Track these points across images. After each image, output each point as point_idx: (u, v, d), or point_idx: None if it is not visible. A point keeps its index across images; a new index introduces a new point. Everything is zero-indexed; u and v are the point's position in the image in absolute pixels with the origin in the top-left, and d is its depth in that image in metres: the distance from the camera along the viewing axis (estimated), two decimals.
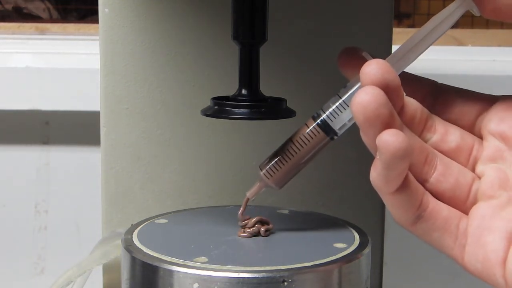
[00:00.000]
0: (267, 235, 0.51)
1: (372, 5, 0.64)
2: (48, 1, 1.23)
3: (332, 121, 0.44)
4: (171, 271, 0.45)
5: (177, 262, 0.46)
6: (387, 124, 0.38)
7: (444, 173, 0.41)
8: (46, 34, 1.09)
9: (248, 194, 0.50)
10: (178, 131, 0.65)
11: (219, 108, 0.51)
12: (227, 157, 0.65)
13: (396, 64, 0.42)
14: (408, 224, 0.41)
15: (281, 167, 0.47)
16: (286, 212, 0.57)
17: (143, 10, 0.63)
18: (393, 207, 0.41)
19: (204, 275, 0.44)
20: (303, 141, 0.46)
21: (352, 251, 0.48)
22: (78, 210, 1.03)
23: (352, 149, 0.65)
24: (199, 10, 0.63)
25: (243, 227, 0.51)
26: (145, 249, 0.48)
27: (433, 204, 0.41)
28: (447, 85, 0.44)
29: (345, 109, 0.43)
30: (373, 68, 0.39)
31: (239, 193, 0.64)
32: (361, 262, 0.48)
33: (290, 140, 0.46)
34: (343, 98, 0.43)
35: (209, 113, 0.51)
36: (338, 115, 0.44)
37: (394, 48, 0.66)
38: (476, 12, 0.41)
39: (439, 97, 0.44)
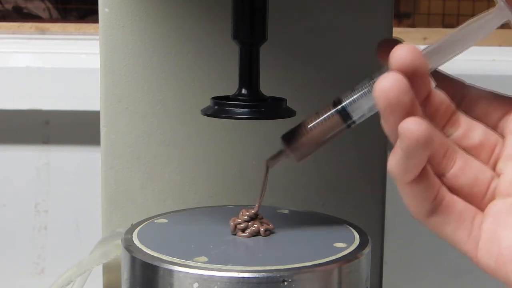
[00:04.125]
0: (267, 235, 0.51)
1: (372, 5, 0.64)
2: (48, 0, 1.23)
3: (351, 108, 0.44)
4: (171, 271, 0.45)
5: (177, 262, 0.46)
6: (409, 112, 0.38)
7: (463, 169, 0.41)
8: (46, 34, 1.09)
9: (268, 161, 0.49)
10: (178, 131, 0.65)
11: (219, 107, 0.51)
12: (227, 157, 0.65)
13: (429, 58, 0.41)
14: (422, 216, 0.41)
15: (301, 138, 0.46)
16: (286, 212, 0.57)
17: (143, 10, 0.63)
18: (409, 197, 0.41)
19: (204, 275, 0.44)
20: (321, 122, 0.45)
21: (352, 251, 0.48)
22: (78, 210, 1.03)
23: (352, 149, 0.65)
24: (199, 10, 0.63)
25: (242, 230, 0.51)
26: (145, 249, 0.48)
27: (448, 197, 0.41)
28: (475, 85, 0.44)
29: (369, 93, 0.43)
30: (403, 51, 0.39)
31: (239, 193, 0.64)
32: (361, 262, 0.48)
33: (316, 114, 0.46)
34: (375, 80, 0.42)
35: (209, 112, 0.51)
36: (359, 101, 0.43)
37: None
38: None
39: (465, 96, 0.43)
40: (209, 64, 0.64)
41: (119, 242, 0.53)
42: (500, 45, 1.13)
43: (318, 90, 0.64)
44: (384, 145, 0.66)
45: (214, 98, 0.52)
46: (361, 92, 0.43)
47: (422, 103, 0.40)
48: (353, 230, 0.52)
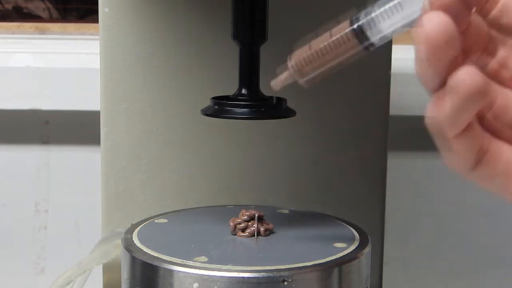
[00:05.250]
0: (267, 235, 0.51)
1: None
2: (48, 0, 1.23)
3: (371, 30, 0.39)
4: (171, 271, 0.45)
5: (177, 262, 0.46)
6: (455, 58, 0.34)
7: (504, 107, 0.36)
8: (46, 34, 1.09)
9: (273, 82, 0.45)
10: (178, 131, 0.65)
11: (219, 107, 0.51)
12: (227, 157, 0.65)
13: None
14: (466, 170, 0.36)
15: (310, 61, 0.42)
16: (286, 212, 0.57)
17: (143, 10, 0.63)
18: (453, 152, 0.36)
19: (204, 275, 0.44)
20: (334, 43, 0.41)
21: (352, 250, 0.48)
22: (78, 210, 1.03)
23: (352, 149, 0.65)
24: (199, 10, 0.63)
25: (242, 230, 0.51)
26: (145, 249, 0.48)
27: (493, 146, 0.36)
28: None
29: (398, 11, 0.38)
30: None
31: (239, 193, 0.64)
32: (361, 261, 0.48)
33: (329, 33, 0.41)
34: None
35: (209, 112, 0.51)
36: (380, 22, 0.39)
37: (394, 48, 0.66)
38: None
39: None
40: (209, 64, 0.64)
41: (119, 242, 0.53)
42: None
43: (318, 90, 0.64)
44: (384, 145, 0.66)
45: (214, 98, 0.52)
46: (384, 9, 0.38)
47: (461, 34, 0.34)
48: (353, 230, 0.52)
